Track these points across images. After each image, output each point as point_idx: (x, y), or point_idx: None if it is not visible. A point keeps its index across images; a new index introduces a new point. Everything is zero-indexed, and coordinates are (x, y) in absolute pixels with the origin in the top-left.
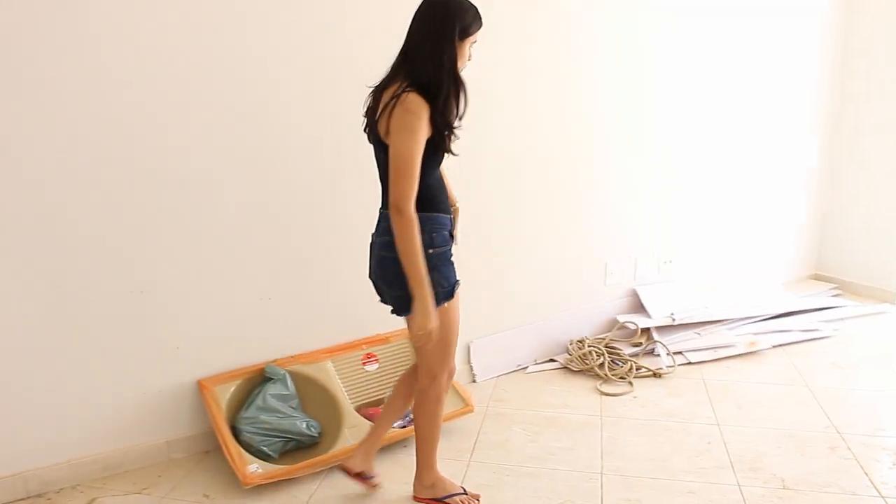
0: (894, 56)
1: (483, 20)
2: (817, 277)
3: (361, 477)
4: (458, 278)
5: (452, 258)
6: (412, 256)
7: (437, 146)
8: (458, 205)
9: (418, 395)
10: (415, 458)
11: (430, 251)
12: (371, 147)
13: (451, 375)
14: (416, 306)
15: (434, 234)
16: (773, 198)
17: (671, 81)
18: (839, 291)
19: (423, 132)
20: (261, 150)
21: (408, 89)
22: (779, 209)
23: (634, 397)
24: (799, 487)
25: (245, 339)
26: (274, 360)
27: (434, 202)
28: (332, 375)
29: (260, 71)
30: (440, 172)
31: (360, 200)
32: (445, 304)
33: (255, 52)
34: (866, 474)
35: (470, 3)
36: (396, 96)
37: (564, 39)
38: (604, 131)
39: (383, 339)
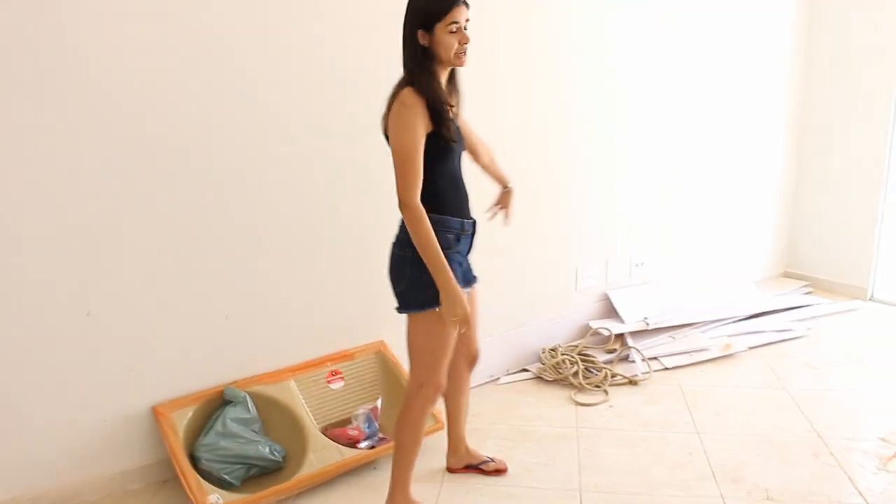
0: (855, 56)
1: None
2: (788, 275)
3: (475, 469)
4: (462, 288)
5: (462, 265)
6: (427, 248)
7: (440, 141)
8: (509, 186)
9: (404, 401)
10: (388, 479)
11: None
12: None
13: (437, 389)
14: (442, 295)
15: (437, 237)
16: (742, 196)
17: (642, 84)
18: (811, 289)
19: (421, 126)
20: (217, 161)
21: (404, 86)
22: (748, 208)
23: (611, 406)
24: (783, 497)
25: (202, 361)
26: (233, 382)
27: (440, 203)
28: (295, 395)
29: (225, 83)
30: (453, 173)
31: (322, 211)
32: (437, 309)
33: (224, 74)
34: (851, 480)
35: None
36: (394, 94)
37: (537, 46)
38: (572, 134)
39: (348, 356)
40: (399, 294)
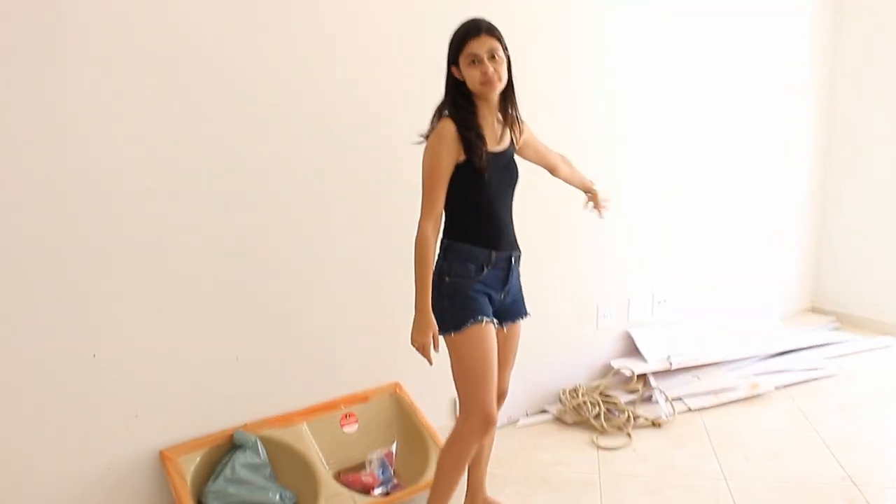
0: (883, 85)
1: (483, 29)
2: (815, 310)
3: None
4: (483, 317)
5: (492, 298)
6: (415, 269)
7: (471, 171)
8: (594, 189)
9: (452, 430)
10: None
11: (447, 279)
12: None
13: (485, 420)
14: (415, 320)
15: (455, 263)
16: (767, 230)
17: (661, 112)
18: (838, 325)
19: (446, 154)
20: (227, 199)
21: (443, 118)
22: (774, 242)
23: (634, 450)
24: None
25: (211, 404)
26: (243, 425)
27: (464, 231)
28: (307, 439)
29: (226, 121)
30: (485, 203)
31: (335, 248)
32: (453, 335)
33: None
34: None
35: (464, 23)
36: (433, 125)
37: (556, 79)
38: (592, 169)
39: (363, 398)
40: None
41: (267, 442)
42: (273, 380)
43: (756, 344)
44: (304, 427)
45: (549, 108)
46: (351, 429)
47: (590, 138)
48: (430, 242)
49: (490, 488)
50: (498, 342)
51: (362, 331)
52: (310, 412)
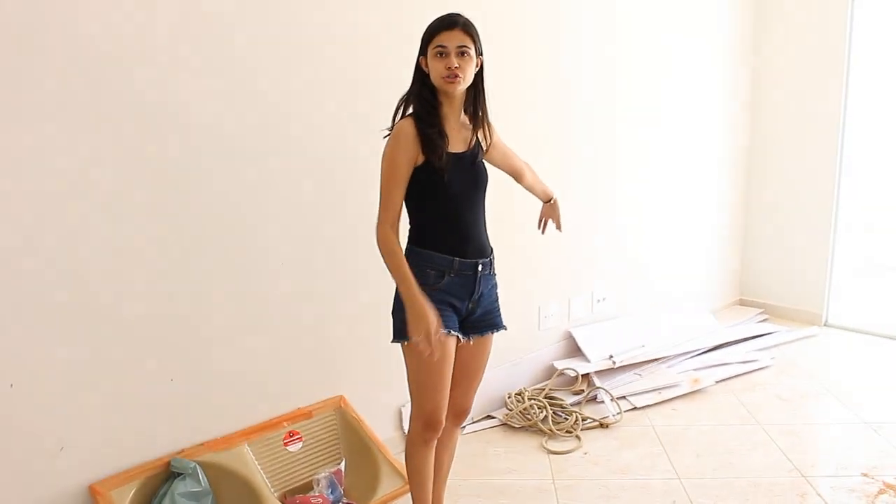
0: (802, 82)
1: (459, 23)
2: (744, 303)
3: None
4: (445, 329)
5: (454, 306)
6: (389, 267)
7: (431, 173)
8: (553, 198)
9: None
10: None
11: None
12: None
13: (427, 427)
14: (406, 312)
15: (414, 270)
16: (696, 227)
17: (599, 117)
18: (766, 316)
19: (402, 155)
20: (155, 214)
21: (404, 116)
22: (703, 238)
23: (585, 453)
24: None
25: (145, 430)
26: (181, 451)
27: (424, 236)
28: (250, 462)
29: (158, 144)
30: (447, 207)
31: (268, 258)
32: (407, 344)
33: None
34: None
35: (443, 15)
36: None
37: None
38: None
39: (306, 414)
40: (392, 325)
41: (207, 468)
42: (211, 400)
43: (693, 339)
44: (246, 448)
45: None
46: (295, 447)
47: (530, 141)
48: (392, 237)
49: (445, 500)
50: (465, 356)
51: (302, 344)
52: (251, 432)
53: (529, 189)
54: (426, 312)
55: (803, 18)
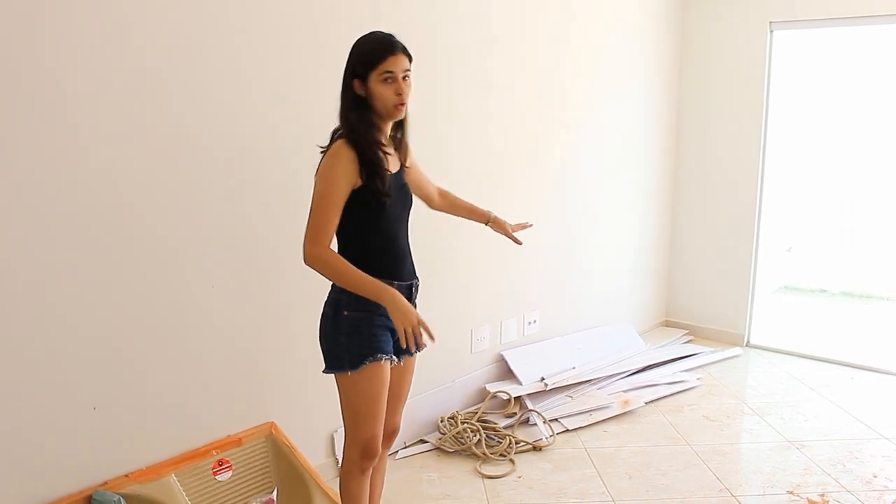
0: (723, 107)
1: (400, 47)
2: (669, 324)
3: None
4: (382, 355)
5: (386, 326)
6: (346, 279)
7: (370, 196)
8: (492, 216)
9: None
10: None
11: (345, 313)
12: None
13: (365, 454)
14: (388, 309)
15: (353, 295)
16: (622, 250)
17: (521, 141)
18: (691, 337)
19: (343, 177)
20: (74, 230)
21: (338, 137)
22: (628, 260)
23: (519, 477)
24: None
25: (65, 462)
26: (103, 484)
27: (364, 261)
28: (177, 493)
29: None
30: (385, 231)
31: (195, 279)
32: (349, 374)
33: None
34: None
35: (375, 36)
36: (328, 146)
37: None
38: (463, 194)
39: (236, 441)
40: (323, 353)
41: (132, 500)
42: (136, 428)
43: (623, 360)
44: (173, 478)
45: (420, 132)
46: (225, 476)
47: (461, 163)
48: (327, 251)
49: None
50: (393, 377)
51: (230, 369)
52: (178, 462)
53: (452, 210)
54: (405, 301)
55: (728, 43)
